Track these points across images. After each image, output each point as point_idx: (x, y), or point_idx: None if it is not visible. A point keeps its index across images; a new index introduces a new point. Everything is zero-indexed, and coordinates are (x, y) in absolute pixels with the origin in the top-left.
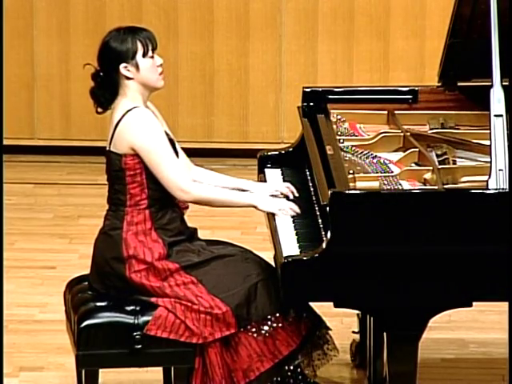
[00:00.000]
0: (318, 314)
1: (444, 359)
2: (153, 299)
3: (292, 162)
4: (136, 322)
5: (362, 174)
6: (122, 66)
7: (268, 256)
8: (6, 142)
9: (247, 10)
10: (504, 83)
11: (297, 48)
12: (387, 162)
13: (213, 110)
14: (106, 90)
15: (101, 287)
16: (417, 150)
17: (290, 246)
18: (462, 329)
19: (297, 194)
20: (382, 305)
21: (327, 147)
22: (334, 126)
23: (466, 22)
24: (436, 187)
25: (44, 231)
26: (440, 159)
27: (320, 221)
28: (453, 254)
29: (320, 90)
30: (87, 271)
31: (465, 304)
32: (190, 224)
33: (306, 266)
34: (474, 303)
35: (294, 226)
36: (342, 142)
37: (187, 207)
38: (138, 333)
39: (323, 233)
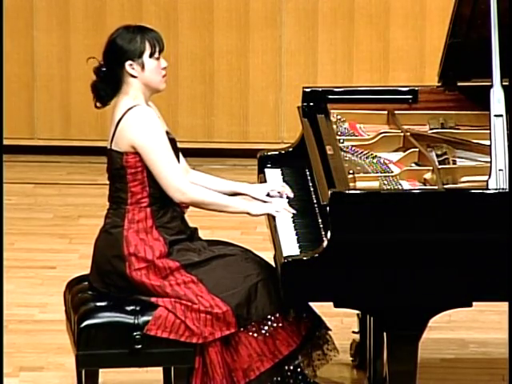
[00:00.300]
0: (318, 315)
1: (444, 359)
2: (153, 299)
3: (292, 162)
4: (136, 322)
5: (361, 174)
6: (127, 63)
7: (268, 256)
8: (6, 142)
9: (247, 10)
10: (504, 83)
11: (297, 48)
12: (387, 162)
13: (213, 110)
14: (107, 85)
15: (101, 286)
16: (417, 150)
17: (290, 246)
18: (461, 329)
19: (291, 195)
20: (382, 305)
21: (327, 147)
22: (334, 126)
23: (466, 22)
24: (436, 187)
25: (44, 231)
26: (440, 159)
27: (320, 221)
28: (453, 253)
29: (320, 90)
30: (87, 271)
31: (465, 304)
32: (190, 224)
33: (306, 266)
34: (474, 303)
35: (294, 226)
36: (342, 142)
37: (188, 207)
38: (138, 333)
39: (323, 233)
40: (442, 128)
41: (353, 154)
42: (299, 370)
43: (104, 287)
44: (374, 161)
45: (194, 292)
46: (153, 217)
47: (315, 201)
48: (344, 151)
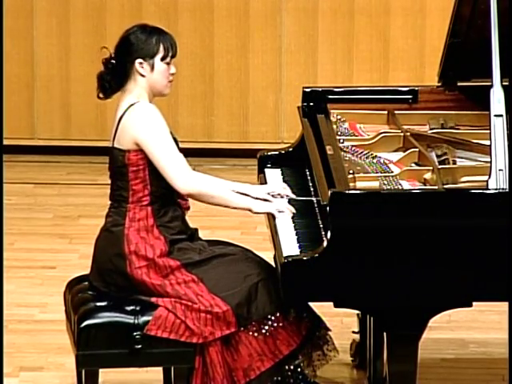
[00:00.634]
0: (318, 315)
1: (444, 359)
2: (153, 299)
3: (292, 162)
4: (136, 321)
5: (361, 174)
6: (137, 61)
7: (268, 256)
8: (6, 142)
9: (247, 10)
10: (504, 83)
11: (297, 48)
12: (387, 161)
13: (213, 110)
14: (113, 78)
15: (101, 285)
16: (417, 150)
17: (290, 246)
18: (461, 329)
19: (292, 196)
20: (382, 305)
21: (327, 147)
22: (334, 126)
23: (466, 22)
24: (436, 187)
25: (44, 231)
26: (440, 159)
27: (320, 221)
28: (453, 253)
29: (320, 90)
30: (87, 271)
31: (465, 304)
32: (190, 225)
33: (305, 266)
34: (474, 303)
35: (294, 226)
36: (342, 142)
37: (188, 208)
38: (138, 333)
39: (323, 233)
40: (442, 128)
41: (353, 154)
42: (299, 369)
43: (104, 286)
44: (374, 161)
45: (195, 291)
46: (154, 215)
47: (315, 201)
48: (344, 151)
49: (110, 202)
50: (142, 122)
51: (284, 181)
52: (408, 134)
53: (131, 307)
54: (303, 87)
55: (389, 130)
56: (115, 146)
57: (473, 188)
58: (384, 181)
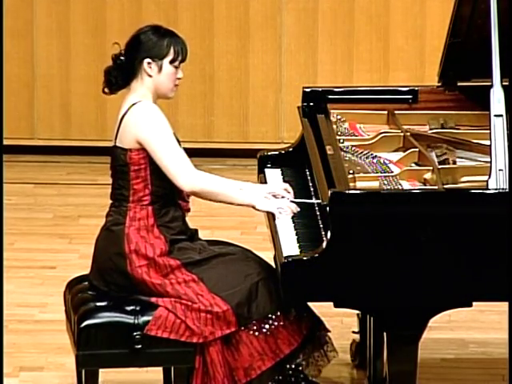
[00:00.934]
0: (318, 316)
1: (444, 359)
2: (153, 299)
3: (292, 162)
4: (136, 321)
5: (361, 174)
6: (146, 60)
7: (268, 256)
8: (6, 142)
9: (247, 10)
10: (504, 83)
11: (297, 48)
12: (387, 162)
13: (213, 110)
14: (119, 74)
15: (101, 284)
16: (417, 150)
17: (290, 246)
18: (461, 329)
19: (292, 197)
20: (382, 305)
21: (327, 147)
22: (334, 126)
23: (466, 22)
24: (436, 187)
25: (44, 231)
26: (440, 159)
27: (320, 221)
28: (453, 253)
29: (320, 90)
30: (87, 271)
31: (465, 304)
32: (190, 225)
33: (305, 266)
34: (474, 303)
35: (294, 226)
36: (342, 142)
37: (189, 210)
38: (138, 333)
39: (323, 233)
40: (442, 128)
41: (353, 154)
42: (300, 368)
43: (104, 285)
44: (374, 161)
45: (195, 291)
46: (154, 215)
47: (316, 205)
48: (344, 151)
49: (110, 201)
50: (144, 120)
51: (284, 181)
52: (408, 133)
53: (131, 307)
54: (303, 87)
55: (389, 129)
56: (117, 144)
57: (473, 188)
58: (384, 181)
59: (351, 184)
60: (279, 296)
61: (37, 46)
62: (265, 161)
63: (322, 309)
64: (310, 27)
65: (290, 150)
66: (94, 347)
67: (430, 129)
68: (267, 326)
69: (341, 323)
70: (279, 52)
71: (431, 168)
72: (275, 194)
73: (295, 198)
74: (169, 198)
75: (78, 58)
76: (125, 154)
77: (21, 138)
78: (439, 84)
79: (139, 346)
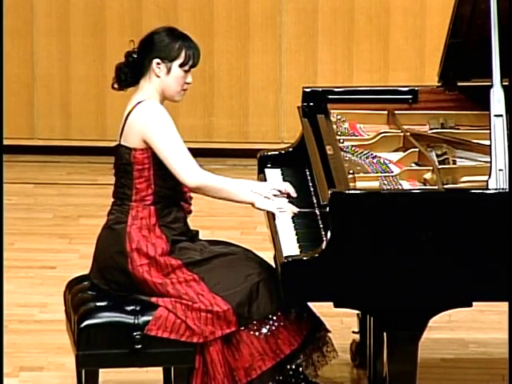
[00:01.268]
0: (318, 316)
1: (444, 359)
2: (153, 299)
3: (292, 162)
4: (136, 321)
5: (361, 174)
6: (156, 60)
7: (268, 256)
8: (5, 142)
9: (247, 10)
10: (504, 83)
11: (297, 48)
12: (387, 162)
13: (213, 110)
14: (130, 71)
15: (102, 282)
16: (417, 150)
17: (290, 246)
18: (462, 329)
19: (295, 195)
20: (382, 305)
21: (327, 147)
22: (334, 126)
23: (466, 22)
24: (436, 187)
25: (44, 231)
26: (440, 159)
27: (320, 221)
28: (453, 253)
29: (320, 90)
30: (87, 271)
31: (465, 304)
32: (191, 225)
33: (305, 266)
34: (474, 303)
35: (294, 226)
36: (342, 142)
37: (191, 211)
38: (138, 333)
39: (323, 233)
40: (442, 128)
41: (353, 154)
42: (301, 369)
43: (104, 284)
44: (374, 161)
45: (196, 290)
46: (156, 215)
47: (315, 201)
48: (344, 151)
49: (112, 200)
50: (149, 118)
51: (284, 181)
52: (408, 134)
53: (131, 307)
54: (303, 87)
55: (389, 129)
56: (122, 143)
57: (473, 188)
58: (384, 181)
59: (351, 184)
60: (280, 296)
61: (37, 46)
62: (265, 161)
63: (322, 309)
64: (310, 27)
65: (290, 150)
66: (93, 347)
67: (430, 129)
68: (268, 327)
69: (341, 323)
70: (279, 52)
71: (431, 168)
72: (280, 189)
73: (295, 197)
74: (171, 199)
75: (78, 58)
76: (129, 153)
77: (21, 137)
78: (439, 84)
79: (139, 346)
